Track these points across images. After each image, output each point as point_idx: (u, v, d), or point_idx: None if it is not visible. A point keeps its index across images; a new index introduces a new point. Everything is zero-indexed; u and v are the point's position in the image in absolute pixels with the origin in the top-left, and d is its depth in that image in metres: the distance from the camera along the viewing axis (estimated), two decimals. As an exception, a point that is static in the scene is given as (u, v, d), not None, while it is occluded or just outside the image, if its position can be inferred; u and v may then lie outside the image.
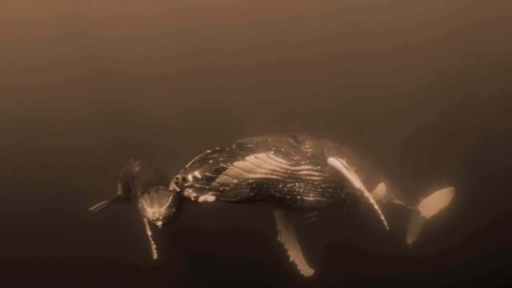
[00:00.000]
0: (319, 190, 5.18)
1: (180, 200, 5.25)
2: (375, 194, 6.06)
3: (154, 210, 5.29)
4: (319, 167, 5.12)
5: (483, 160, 11.23)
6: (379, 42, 19.01)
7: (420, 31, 18.63)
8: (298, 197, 4.98)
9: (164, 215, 5.23)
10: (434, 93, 15.64)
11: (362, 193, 5.12)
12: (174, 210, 5.34)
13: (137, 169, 6.92)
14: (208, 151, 4.29)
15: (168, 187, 6.01)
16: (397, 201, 6.64)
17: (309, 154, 5.03)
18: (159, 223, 5.28)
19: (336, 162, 5.19)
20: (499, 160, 11.13)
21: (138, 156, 7.44)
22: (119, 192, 7.51)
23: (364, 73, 17.89)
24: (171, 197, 5.41)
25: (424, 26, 18.67)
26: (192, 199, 4.05)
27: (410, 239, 7.33)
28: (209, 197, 4.13)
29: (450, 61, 17.36)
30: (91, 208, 7.63)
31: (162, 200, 5.38)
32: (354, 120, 14.66)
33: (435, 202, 7.18)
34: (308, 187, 5.07)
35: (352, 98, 16.68)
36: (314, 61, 19.44)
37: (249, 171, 4.36)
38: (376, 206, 5.03)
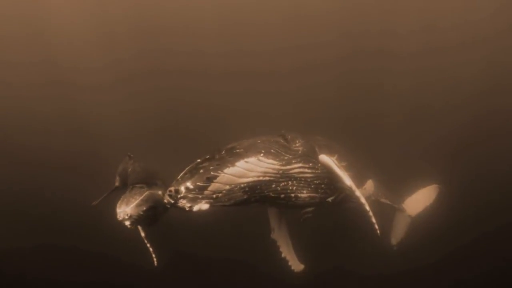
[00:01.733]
0: (312, 186, 5.19)
1: (157, 200, 5.17)
2: (364, 190, 6.06)
3: (120, 210, 5.06)
4: (311, 164, 5.12)
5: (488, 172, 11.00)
6: (397, 42, 18.61)
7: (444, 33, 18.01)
8: (292, 195, 4.99)
9: (129, 215, 4.98)
10: (453, 99, 15.44)
11: (352, 191, 5.12)
12: (144, 209, 5.12)
13: (130, 169, 6.84)
14: (198, 160, 4.28)
15: (153, 185, 5.98)
16: (383, 200, 6.63)
17: (300, 152, 5.01)
18: (127, 224, 5.07)
19: (327, 159, 5.19)
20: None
21: (132, 156, 7.40)
22: (117, 184, 7.47)
23: (369, 72, 17.74)
24: (143, 196, 5.22)
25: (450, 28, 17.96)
26: (187, 209, 4.04)
27: (395, 239, 7.19)
28: (203, 206, 4.12)
29: (473, 68, 17.03)
30: (94, 203, 7.56)
31: (130, 199, 5.16)
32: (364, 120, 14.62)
33: (420, 200, 7.13)
34: (301, 184, 5.07)
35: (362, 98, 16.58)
36: (318, 63, 19.21)
37: (240, 176, 4.34)
38: (367, 207, 5.03)
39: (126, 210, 5.00)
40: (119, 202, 5.21)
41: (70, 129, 17.30)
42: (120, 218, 5.02)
